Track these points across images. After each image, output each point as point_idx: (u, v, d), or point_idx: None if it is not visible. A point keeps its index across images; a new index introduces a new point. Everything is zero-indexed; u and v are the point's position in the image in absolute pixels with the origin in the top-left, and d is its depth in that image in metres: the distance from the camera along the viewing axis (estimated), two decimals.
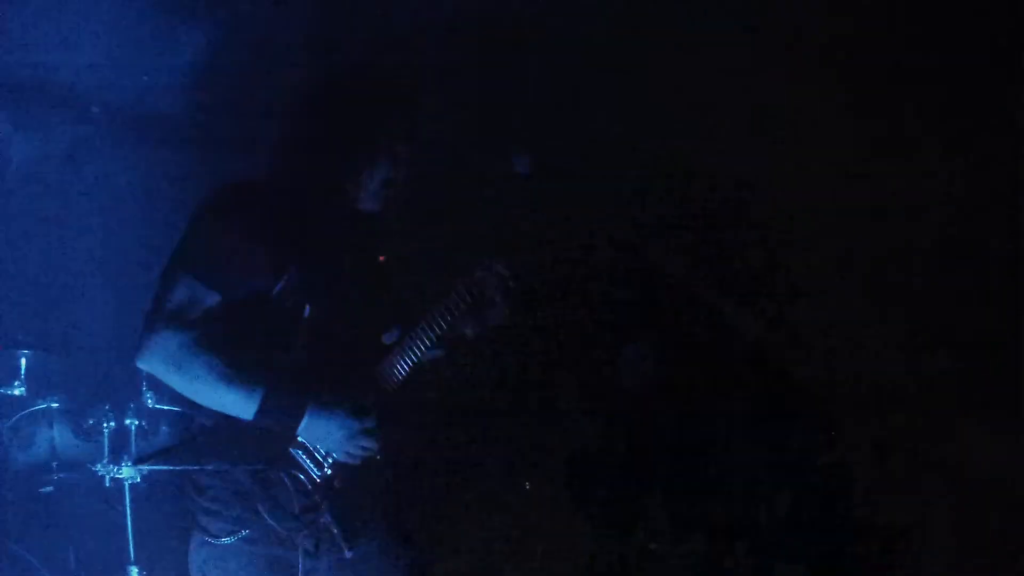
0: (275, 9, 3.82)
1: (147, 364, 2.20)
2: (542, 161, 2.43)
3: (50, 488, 3.85)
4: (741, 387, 4.09)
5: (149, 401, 3.86)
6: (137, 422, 3.80)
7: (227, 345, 2.19)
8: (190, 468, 2.25)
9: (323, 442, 2.27)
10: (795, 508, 3.96)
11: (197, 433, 2.27)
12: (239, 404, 2.18)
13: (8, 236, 4.16)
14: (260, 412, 2.18)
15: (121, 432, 3.79)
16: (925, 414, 3.88)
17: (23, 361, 3.84)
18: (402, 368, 2.37)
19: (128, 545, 3.68)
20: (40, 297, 4.14)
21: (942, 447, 3.87)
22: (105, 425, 3.78)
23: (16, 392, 3.81)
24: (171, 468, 2.23)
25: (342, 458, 2.28)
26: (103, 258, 4.15)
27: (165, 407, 3.90)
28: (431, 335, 2.34)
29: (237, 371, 2.17)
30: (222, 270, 2.20)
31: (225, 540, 2.25)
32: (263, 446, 2.23)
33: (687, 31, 3.87)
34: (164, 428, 3.98)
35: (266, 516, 2.22)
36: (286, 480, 2.23)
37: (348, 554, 2.29)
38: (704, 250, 4.11)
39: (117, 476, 3.71)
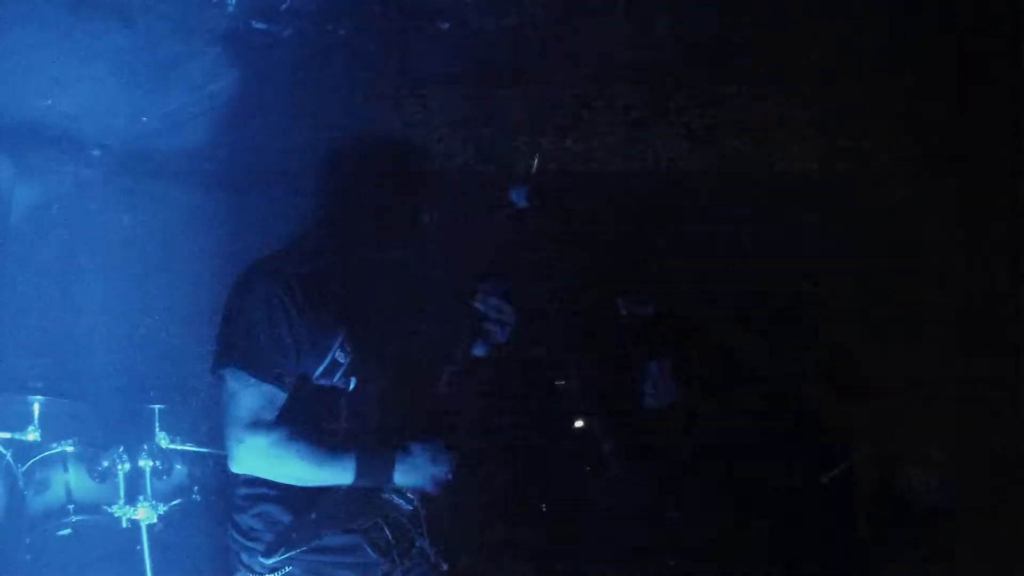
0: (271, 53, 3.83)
1: (244, 470, 2.31)
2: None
3: (67, 531, 3.86)
4: (756, 402, 4.11)
5: (162, 441, 3.89)
6: (151, 463, 3.84)
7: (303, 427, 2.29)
8: (317, 543, 2.32)
9: (414, 480, 2.39)
10: (812, 520, 3.97)
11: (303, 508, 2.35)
12: (337, 476, 2.31)
13: (16, 281, 4.19)
14: (358, 476, 2.31)
15: (136, 473, 3.84)
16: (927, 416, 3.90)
17: (36, 407, 3.85)
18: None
19: None
20: (50, 342, 4.16)
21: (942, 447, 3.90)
22: (120, 467, 3.82)
23: (30, 437, 3.82)
24: (301, 551, 2.32)
25: (431, 488, 2.41)
26: (111, 300, 4.17)
27: (178, 447, 3.93)
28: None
29: (326, 450, 2.30)
30: (273, 360, 2.25)
31: None
32: (363, 500, 2.36)
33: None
34: (178, 467, 4.01)
35: (369, 550, 2.34)
36: (382, 523, 2.37)
37: (445, 567, 2.45)
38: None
39: (133, 517, 3.75)
